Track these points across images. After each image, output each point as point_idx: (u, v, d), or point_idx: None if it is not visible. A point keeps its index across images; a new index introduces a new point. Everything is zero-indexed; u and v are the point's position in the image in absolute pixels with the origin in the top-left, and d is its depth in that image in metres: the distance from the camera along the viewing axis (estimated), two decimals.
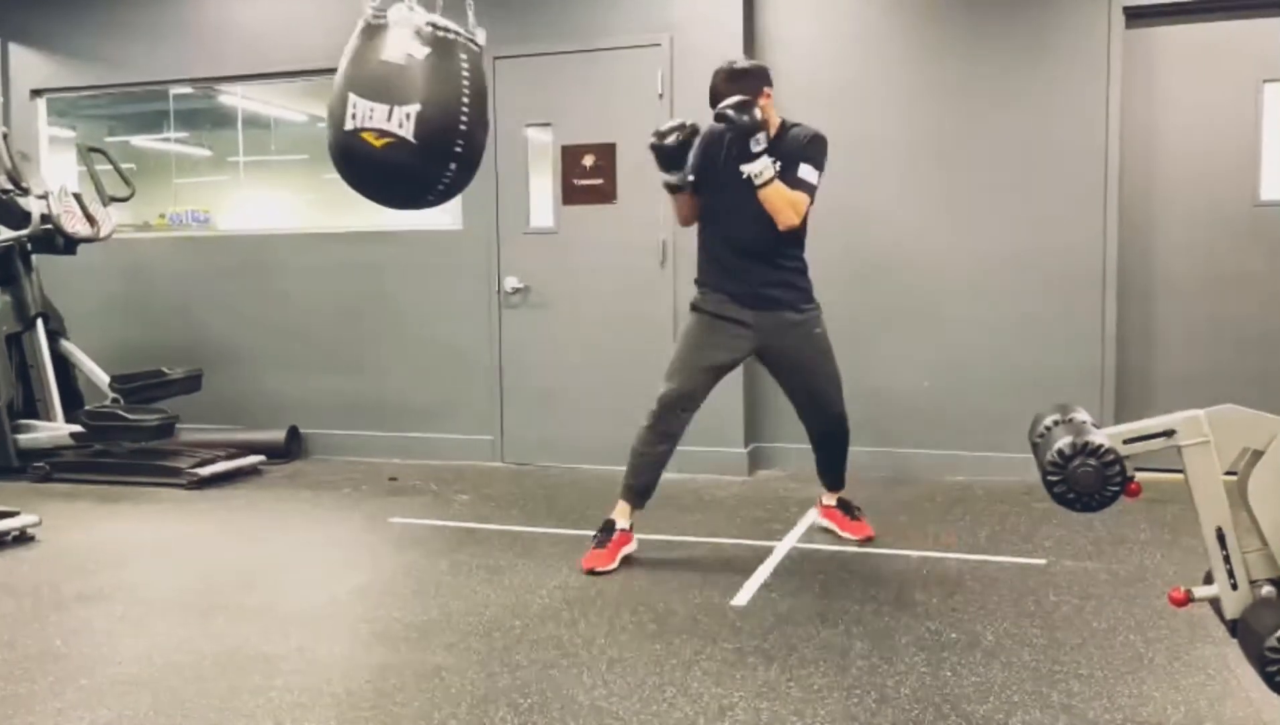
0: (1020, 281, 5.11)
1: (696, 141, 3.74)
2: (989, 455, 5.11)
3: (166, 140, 6.76)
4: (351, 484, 5.32)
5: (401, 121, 2.95)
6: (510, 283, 5.70)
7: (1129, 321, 5.10)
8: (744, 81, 3.67)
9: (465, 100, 3.02)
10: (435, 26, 3.01)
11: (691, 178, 3.78)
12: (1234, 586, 2.02)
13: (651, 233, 5.42)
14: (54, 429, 5.54)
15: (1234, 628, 2.04)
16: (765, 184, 3.57)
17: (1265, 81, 4.90)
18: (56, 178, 6.30)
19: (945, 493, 4.89)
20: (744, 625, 3.15)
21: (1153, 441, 2.04)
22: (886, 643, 2.99)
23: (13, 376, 5.58)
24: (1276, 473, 1.99)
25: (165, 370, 5.71)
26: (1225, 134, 4.96)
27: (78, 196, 5.70)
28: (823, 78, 5.25)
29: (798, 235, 3.78)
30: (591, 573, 3.69)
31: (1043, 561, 3.77)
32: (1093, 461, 2.00)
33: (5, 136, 5.53)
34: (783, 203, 3.61)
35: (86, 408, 5.54)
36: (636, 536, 3.87)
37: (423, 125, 2.96)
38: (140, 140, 7.14)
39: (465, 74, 3.03)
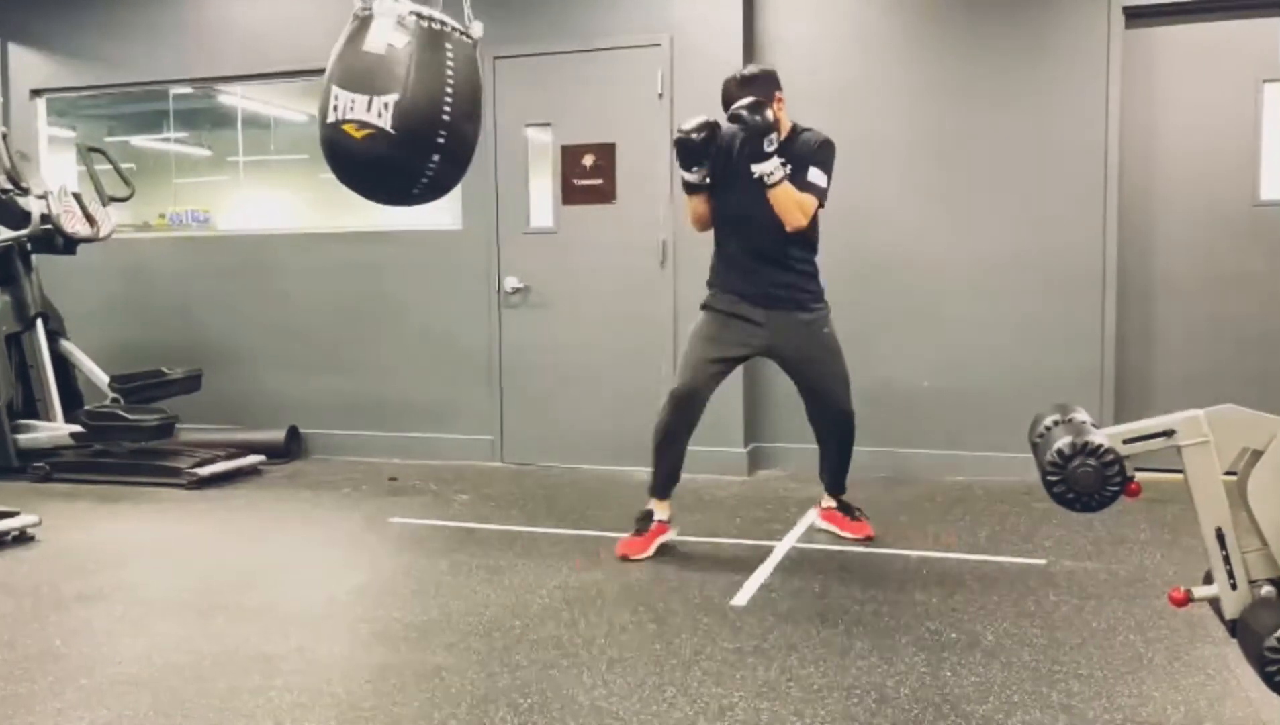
0: (1020, 281, 5.11)
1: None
2: (989, 455, 5.11)
3: (166, 140, 6.76)
4: (351, 484, 5.31)
5: (380, 111, 2.91)
6: (510, 283, 5.70)
7: (1129, 321, 5.10)
8: (756, 86, 3.73)
9: (449, 91, 2.98)
10: (420, 16, 2.98)
11: (709, 179, 3.84)
12: (1233, 586, 2.02)
13: (651, 233, 5.42)
14: (54, 429, 5.54)
15: (1233, 628, 2.04)
16: (775, 184, 3.63)
17: (1265, 81, 4.90)
18: (56, 178, 6.30)
19: (945, 493, 4.89)
20: (744, 625, 3.15)
21: (1152, 441, 2.04)
22: (886, 643, 2.99)
23: (12, 376, 5.58)
24: (1276, 473, 1.99)
25: (165, 370, 5.71)
26: (1225, 134, 4.96)
27: (77, 196, 5.69)
28: (823, 78, 5.25)
29: (809, 238, 3.86)
30: (625, 559, 3.82)
31: (1043, 561, 3.77)
32: (1092, 461, 2.00)
33: (5, 136, 5.52)
34: (791, 204, 3.67)
35: (86, 408, 5.54)
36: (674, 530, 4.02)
37: (400, 115, 2.91)
38: (140, 140, 7.13)
39: (450, 64, 2.99)
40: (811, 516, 4.34)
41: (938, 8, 5.17)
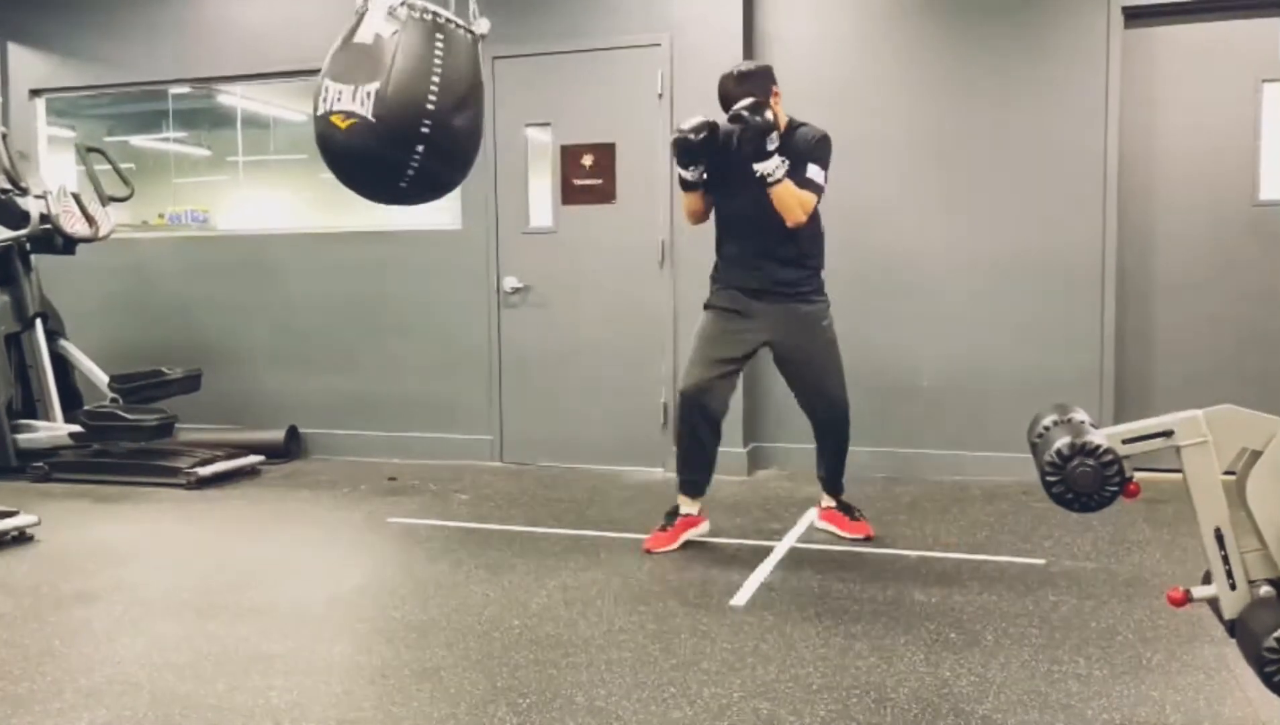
0: (1020, 281, 5.11)
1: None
2: (989, 455, 5.11)
3: (165, 140, 6.76)
4: (350, 484, 5.31)
5: (363, 100, 2.88)
6: (510, 282, 5.70)
7: (1128, 321, 5.10)
8: (753, 82, 3.75)
9: (435, 80, 2.94)
10: (411, 7, 2.96)
11: (705, 176, 3.86)
12: (1232, 587, 2.03)
13: (651, 233, 5.42)
14: (53, 429, 5.54)
15: (1232, 628, 2.05)
16: (776, 182, 3.65)
17: (1264, 81, 4.90)
18: (55, 178, 6.30)
19: (945, 493, 4.89)
20: (743, 625, 3.15)
21: (1151, 442, 2.04)
22: (886, 643, 2.99)
23: (12, 376, 5.57)
24: (1275, 473, 1.99)
25: (164, 370, 5.70)
26: (1224, 134, 4.96)
27: (77, 196, 5.69)
28: (823, 78, 5.25)
29: (811, 233, 3.89)
30: (649, 553, 3.91)
31: (1042, 561, 3.77)
32: (1091, 462, 2.00)
33: (4, 136, 5.52)
34: (792, 201, 3.70)
35: (85, 408, 5.54)
36: (700, 527, 4.08)
37: (381, 103, 2.88)
38: (139, 140, 7.13)
39: (438, 54, 2.96)
40: (811, 516, 4.34)
41: (938, 8, 5.17)
